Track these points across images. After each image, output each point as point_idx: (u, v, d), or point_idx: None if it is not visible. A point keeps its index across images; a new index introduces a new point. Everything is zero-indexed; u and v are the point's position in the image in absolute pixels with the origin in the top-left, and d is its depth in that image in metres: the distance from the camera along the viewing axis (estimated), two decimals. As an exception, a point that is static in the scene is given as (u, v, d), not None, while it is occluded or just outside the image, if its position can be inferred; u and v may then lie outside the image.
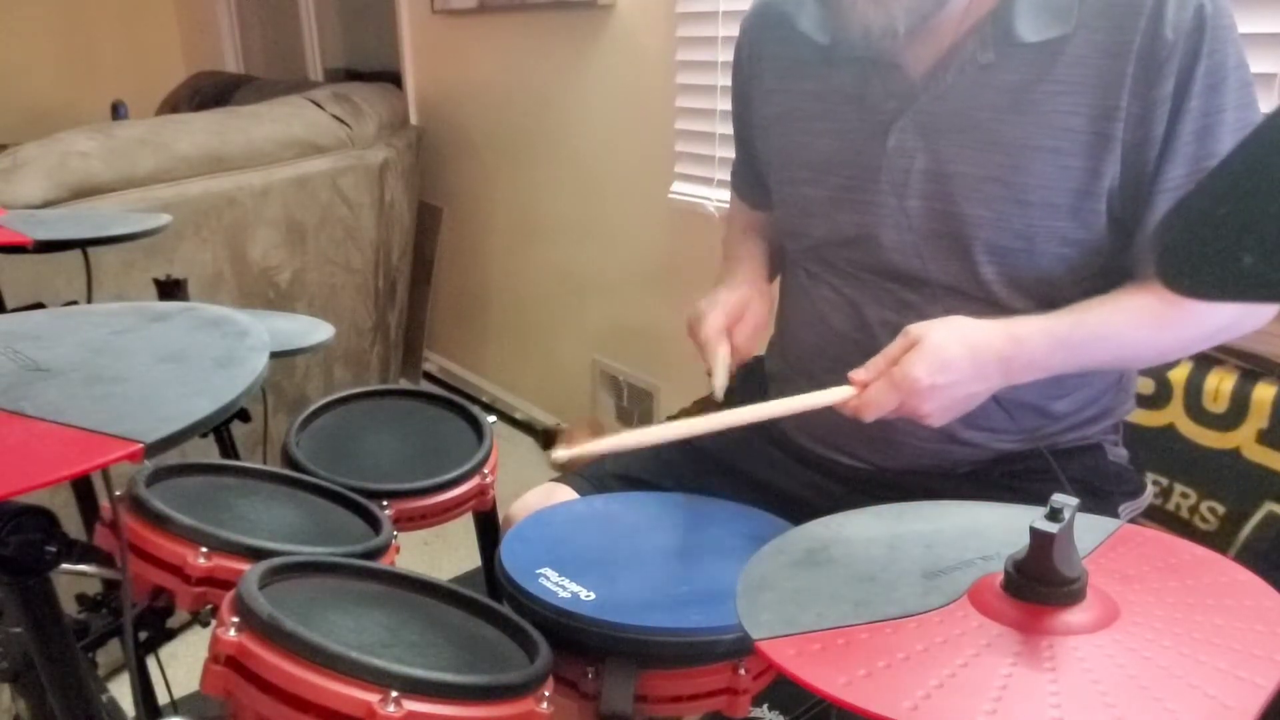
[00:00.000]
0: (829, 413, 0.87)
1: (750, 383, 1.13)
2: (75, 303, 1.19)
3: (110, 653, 1.32)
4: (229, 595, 0.66)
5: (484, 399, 2.76)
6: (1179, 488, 1.25)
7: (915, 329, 0.81)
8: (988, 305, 0.89)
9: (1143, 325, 0.84)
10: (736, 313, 1.00)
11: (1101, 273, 0.88)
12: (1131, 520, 0.98)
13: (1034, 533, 0.49)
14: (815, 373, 0.99)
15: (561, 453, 0.77)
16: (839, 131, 0.95)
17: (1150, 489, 1.01)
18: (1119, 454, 1.01)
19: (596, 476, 1.03)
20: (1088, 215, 0.84)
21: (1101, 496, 0.95)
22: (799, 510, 0.95)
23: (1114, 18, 0.80)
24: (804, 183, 0.99)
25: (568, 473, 1.05)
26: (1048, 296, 0.88)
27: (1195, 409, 1.23)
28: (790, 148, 1.00)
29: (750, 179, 1.14)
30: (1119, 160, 0.83)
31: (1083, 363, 0.86)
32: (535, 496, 1.01)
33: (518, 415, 2.65)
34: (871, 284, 0.95)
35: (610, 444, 0.83)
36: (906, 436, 0.93)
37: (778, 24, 0.99)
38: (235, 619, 0.63)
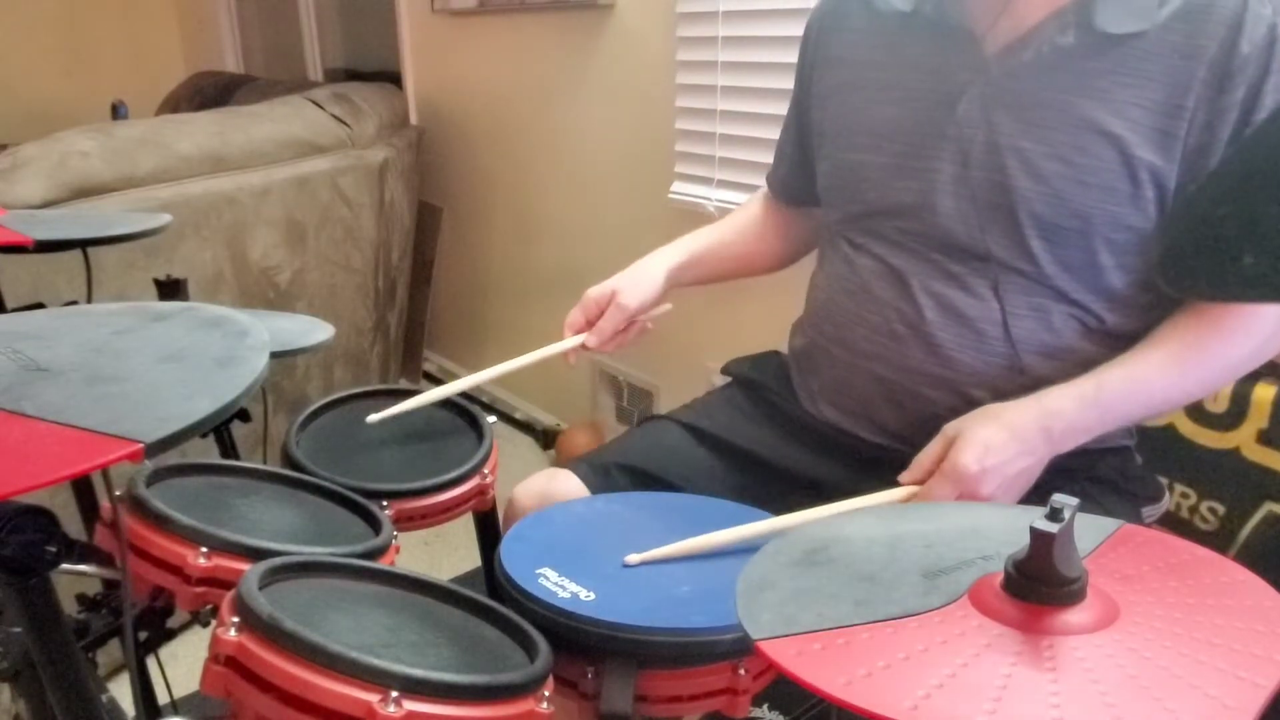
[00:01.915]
0: (860, 382, 0.99)
1: (767, 370, 1.14)
2: (75, 303, 1.19)
3: (110, 653, 1.32)
4: (229, 595, 0.66)
5: (484, 399, 2.76)
6: (1179, 488, 1.25)
7: (951, 427, 0.87)
8: (1035, 283, 0.91)
9: (1166, 374, 0.87)
10: (608, 295, 1.11)
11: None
12: (1149, 525, 0.98)
13: (1034, 533, 0.49)
14: (853, 341, 1.01)
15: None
16: (906, 99, 0.97)
17: (1167, 496, 1.02)
18: (1137, 458, 1.01)
19: (599, 464, 1.03)
20: (1144, 204, 0.87)
21: (1127, 498, 0.96)
22: (808, 495, 0.96)
23: (1192, 22, 0.83)
24: (863, 149, 1.00)
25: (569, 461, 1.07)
26: (1097, 283, 0.90)
27: (1195, 409, 1.23)
28: (851, 115, 1.02)
29: (795, 165, 1.15)
30: (1178, 160, 0.85)
31: (1119, 419, 0.89)
32: (539, 481, 1.02)
33: (518, 415, 2.65)
34: (920, 254, 0.96)
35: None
36: (936, 406, 0.94)
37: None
38: (235, 619, 0.63)
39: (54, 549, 0.59)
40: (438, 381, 2.91)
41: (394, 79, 2.77)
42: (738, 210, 1.25)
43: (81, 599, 0.85)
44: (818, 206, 1.12)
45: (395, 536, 0.88)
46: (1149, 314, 0.91)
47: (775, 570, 0.58)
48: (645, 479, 1.03)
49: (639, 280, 1.12)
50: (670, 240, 1.21)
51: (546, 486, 1.01)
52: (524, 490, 1.02)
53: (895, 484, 0.89)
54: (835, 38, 1.05)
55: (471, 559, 1.30)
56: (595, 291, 1.11)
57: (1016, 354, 0.92)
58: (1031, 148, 0.88)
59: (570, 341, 1.11)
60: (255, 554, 0.75)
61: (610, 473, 1.03)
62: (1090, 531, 0.59)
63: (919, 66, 0.96)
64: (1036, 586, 0.49)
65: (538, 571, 0.79)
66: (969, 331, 0.93)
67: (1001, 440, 0.84)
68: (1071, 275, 0.90)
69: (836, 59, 1.05)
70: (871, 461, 1.00)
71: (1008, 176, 0.89)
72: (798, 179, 1.15)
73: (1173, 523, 1.26)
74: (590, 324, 1.11)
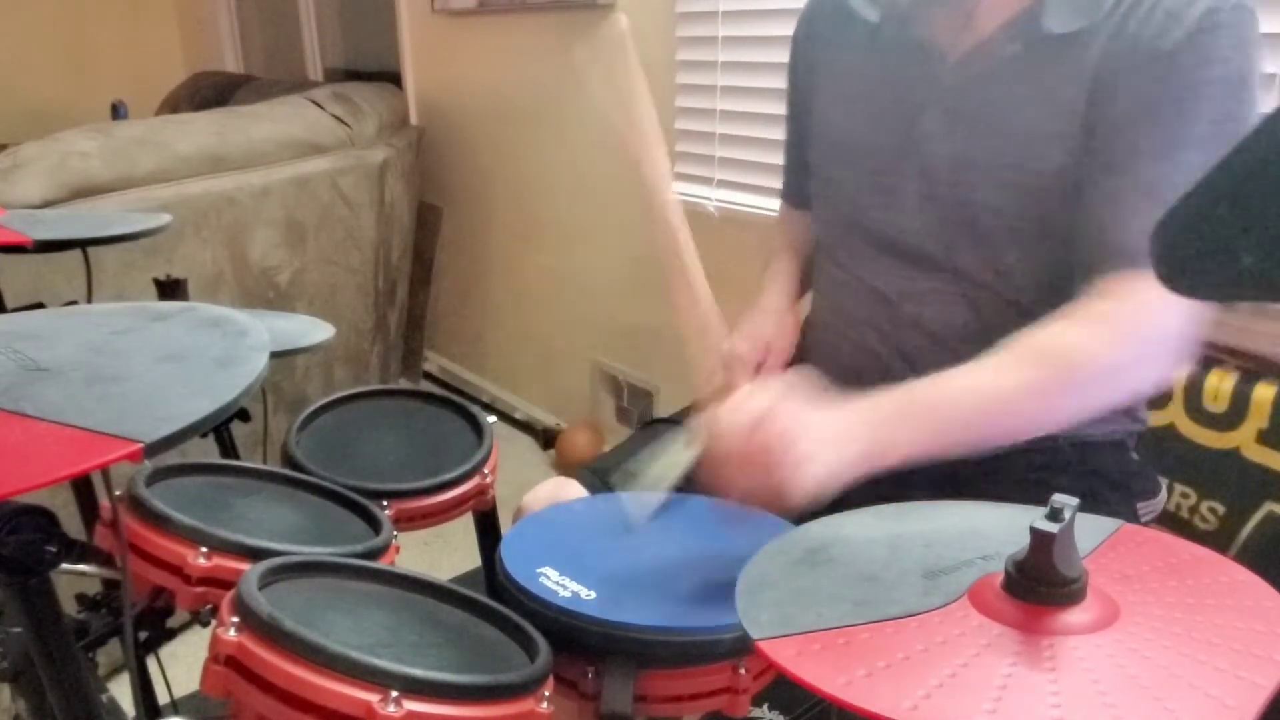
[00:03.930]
0: (851, 360, 0.97)
1: None
2: (75, 303, 1.19)
3: (110, 653, 1.32)
4: (229, 595, 0.66)
5: (484, 399, 2.76)
6: (1179, 488, 1.25)
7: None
8: (1005, 295, 0.90)
9: (1004, 373, 0.78)
10: (763, 349, 1.04)
11: None
12: (1147, 522, 0.98)
13: (1034, 533, 0.49)
14: (838, 358, 1.02)
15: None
16: (873, 114, 0.97)
17: (1164, 491, 1.01)
18: (1134, 455, 1.01)
19: (605, 472, 1.03)
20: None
21: (1124, 492, 0.96)
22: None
23: (1129, 9, 0.81)
24: (838, 163, 1.01)
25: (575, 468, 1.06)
26: (1068, 292, 0.88)
27: (1195, 409, 1.23)
28: (827, 127, 1.03)
29: (798, 170, 1.15)
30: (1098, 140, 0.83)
31: (946, 425, 0.78)
32: (547, 489, 1.01)
33: (518, 415, 2.65)
34: (895, 270, 0.96)
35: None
36: None
37: (835, 5, 1.01)
38: (235, 619, 0.63)
39: (54, 549, 0.59)
40: (438, 382, 2.92)
41: (394, 79, 2.77)
42: (777, 237, 1.23)
43: (81, 599, 0.85)
44: None
45: (395, 536, 0.88)
46: None
47: (775, 570, 0.58)
48: None
49: (779, 323, 1.08)
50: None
51: (555, 495, 1.00)
52: (533, 498, 1.01)
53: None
54: (815, 45, 1.06)
55: (471, 559, 1.29)
56: (750, 347, 1.02)
57: None
58: (990, 159, 0.88)
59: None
60: (255, 554, 0.75)
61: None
62: (1090, 531, 0.59)
63: (885, 81, 0.96)
64: (1036, 586, 0.49)
65: (538, 571, 0.79)
66: (944, 349, 0.92)
67: (819, 407, 0.74)
68: (1042, 285, 0.89)
69: (819, 66, 1.05)
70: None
71: (971, 190, 0.89)
72: (803, 184, 1.15)
73: (1173, 523, 1.26)
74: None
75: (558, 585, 0.78)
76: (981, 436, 0.80)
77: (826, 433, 0.72)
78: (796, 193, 1.19)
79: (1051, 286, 0.89)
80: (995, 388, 0.78)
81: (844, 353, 1.01)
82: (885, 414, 0.76)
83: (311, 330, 1.14)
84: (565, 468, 1.05)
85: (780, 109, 1.18)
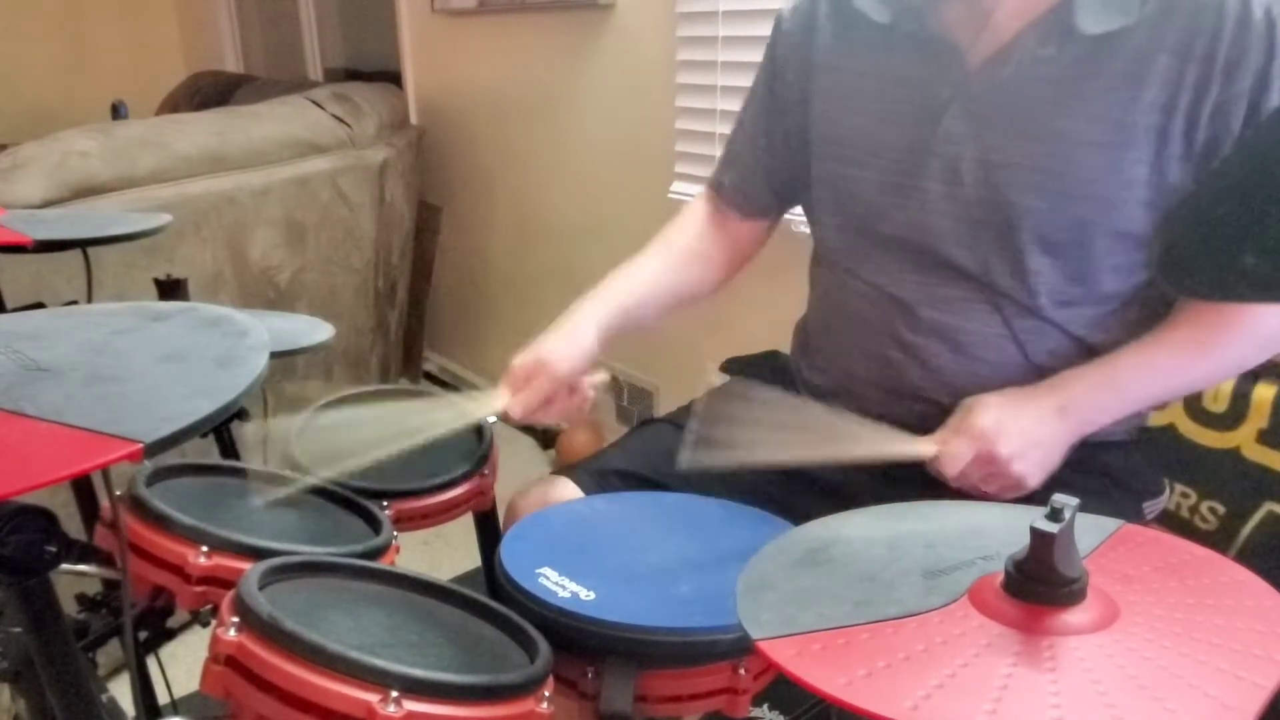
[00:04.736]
0: (858, 404, 0.96)
1: (768, 371, 1.13)
2: (75, 303, 1.19)
3: (110, 653, 1.32)
4: (229, 595, 0.66)
5: (484, 399, 2.76)
6: (1179, 488, 1.25)
7: (969, 400, 0.89)
8: (1032, 302, 0.89)
9: (1182, 354, 0.88)
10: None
11: (1156, 294, 0.89)
12: (1150, 520, 0.98)
13: (1034, 533, 0.49)
14: (848, 365, 1.01)
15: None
16: (889, 114, 0.94)
17: (1167, 490, 1.01)
18: (1137, 454, 1.01)
19: (598, 472, 1.03)
20: (1141, 211, 0.85)
21: (1130, 492, 0.96)
22: (806, 496, 0.95)
23: (1178, 17, 0.80)
24: (849, 162, 0.98)
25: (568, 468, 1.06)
26: (1097, 298, 0.89)
27: (1195, 409, 1.23)
28: (836, 127, 0.99)
29: (768, 169, 1.08)
30: (1178, 160, 0.82)
31: (1137, 400, 0.91)
32: (538, 489, 1.01)
33: (518, 415, 2.64)
34: (914, 276, 0.94)
35: None
36: (936, 424, 0.93)
37: (837, 6, 0.98)
38: (235, 619, 0.63)
39: (54, 549, 0.59)
40: (438, 381, 2.91)
41: (394, 79, 2.77)
42: (669, 234, 1.13)
43: (81, 599, 0.85)
44: (776, 219, 1.09)
45: (395, 536, 0.88)
46: (1147, 328, 0.90)
47: (775, 570, 0.58)
48: (643, 485, 1.02)
49: (568, 343, 1.04)
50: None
51: (546, 494, 1.00)
52: (523, 498, 1.01)
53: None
54: (814, 46, 1.01)
55: (471, 559, 1.29)
56: (519, 361, 1.00)
57: (1015, 376, 0.90)
58: (1021, 163, 0.86)
59: (484, 408, 0.97)
60: (255, 554, 0.75)
61: (609, 479, 1.02)
62: (1090, 531, 0.59)
63: (902, 80, 0.93)
64: (1036, 586, 0.49)
65: (538, 571, 0.79)
66: (966, 356, 0.92)
67: (1015, 407, 0.86)
68: (1071, 292, 0.89)
69: (821, 64, 1.00)
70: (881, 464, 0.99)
71: (999, 193, 0.87)
72: (763, 189, 1.09)
73: (1173, 523, 1.26)
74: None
75: (557, 585, 0.78)
76: (1154, 404, 0.97)
77: (1028, 429, 0.85)
78: (745, 198, 1.10)
79: (1079, 292, 0.89)
80: (1168, 367, 0.88)
81: (855, 360, 0.99)
82: (1074, 404, 0.87)
83: (311, 330, 1.14)
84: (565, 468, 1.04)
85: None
